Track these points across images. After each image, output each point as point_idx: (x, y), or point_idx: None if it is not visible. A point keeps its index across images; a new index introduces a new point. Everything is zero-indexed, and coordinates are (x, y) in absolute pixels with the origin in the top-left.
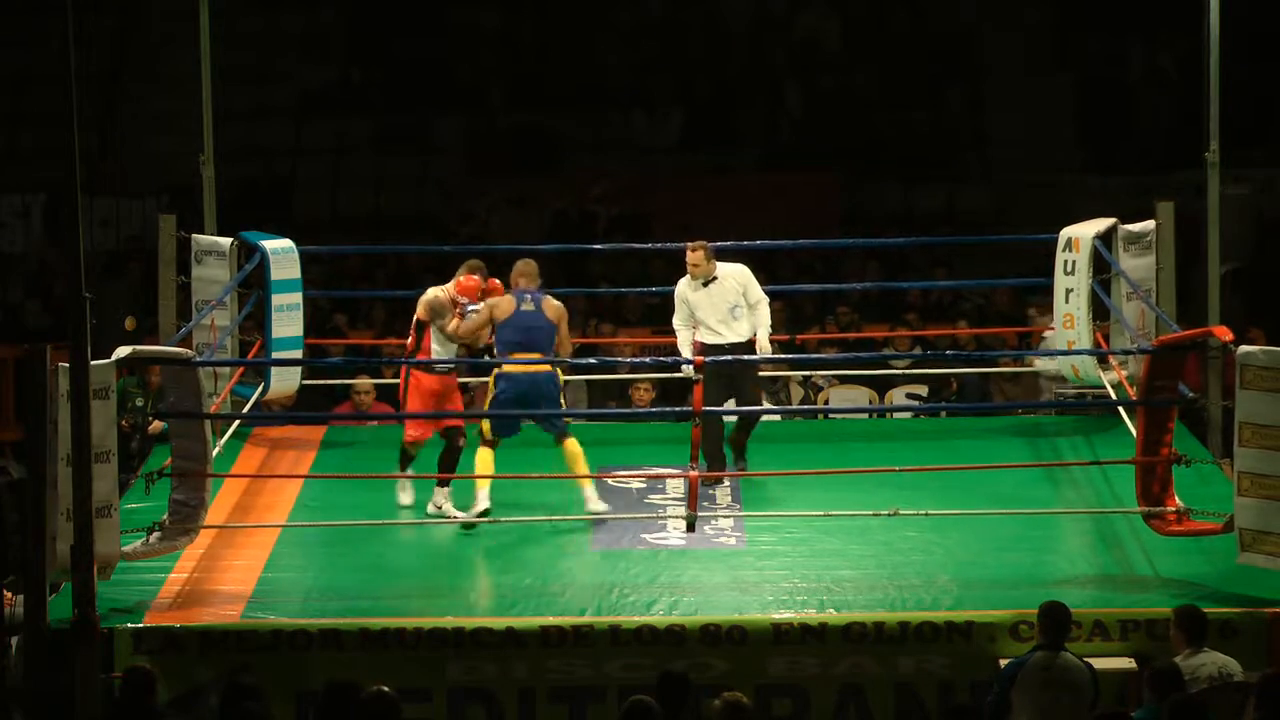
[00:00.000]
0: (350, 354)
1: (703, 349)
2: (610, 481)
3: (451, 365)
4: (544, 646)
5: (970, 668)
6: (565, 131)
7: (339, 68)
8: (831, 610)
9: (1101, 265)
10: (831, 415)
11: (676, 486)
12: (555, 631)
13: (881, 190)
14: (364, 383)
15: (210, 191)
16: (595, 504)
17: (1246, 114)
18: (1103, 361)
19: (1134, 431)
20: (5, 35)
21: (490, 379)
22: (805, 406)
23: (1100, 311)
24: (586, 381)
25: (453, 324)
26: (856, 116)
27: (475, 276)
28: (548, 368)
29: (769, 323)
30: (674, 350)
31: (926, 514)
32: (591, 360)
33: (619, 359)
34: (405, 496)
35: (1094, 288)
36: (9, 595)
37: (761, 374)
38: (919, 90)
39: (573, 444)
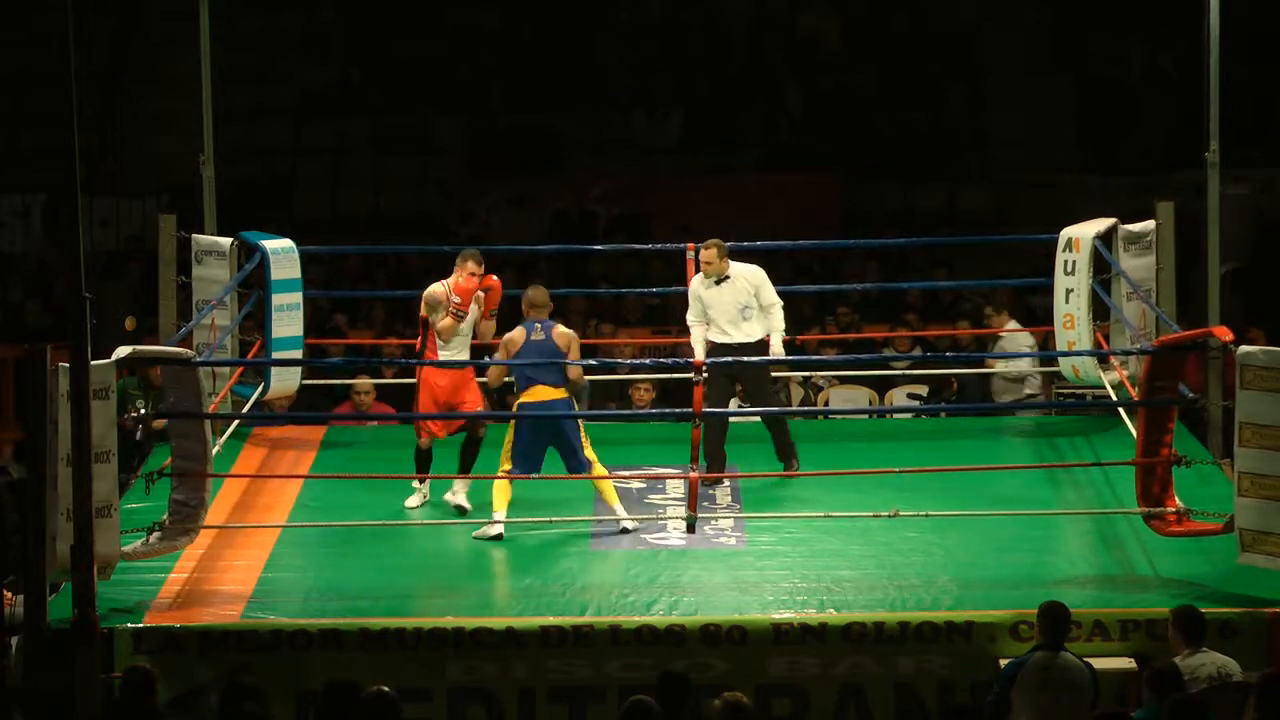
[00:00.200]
0: (350, 354)
1: (713, 348)
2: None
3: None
4: (544, 646)
5: (970, 668)
6: (565, 131)
7: (339, 68)
8: (831, 610)
9: (1101, 265)
10: (831, 415)
11: (676, 486)
12: (555, 631)
13: (881, 190)
14: (364, 383)
15: (210, 191)
16: (630, 524)
17: (1246, 114)
18: (1103, 362)
19: (1134, 432)
20: (5, 35)
21: (511, 424)
22: (805, 407)
23: (1100, 311)
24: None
25: (444, 322)
26: (856, 116)
27: (474, 278)
28: (563, 394)
29: (782, 327)
30: (673, 350)
31: (927, 514)
32: (592, 360)
33: (619, 359)
34: (414, 499)
35: (1094, 288)
36: (9, 595)
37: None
38: (919, 90)
39: (598, 468)
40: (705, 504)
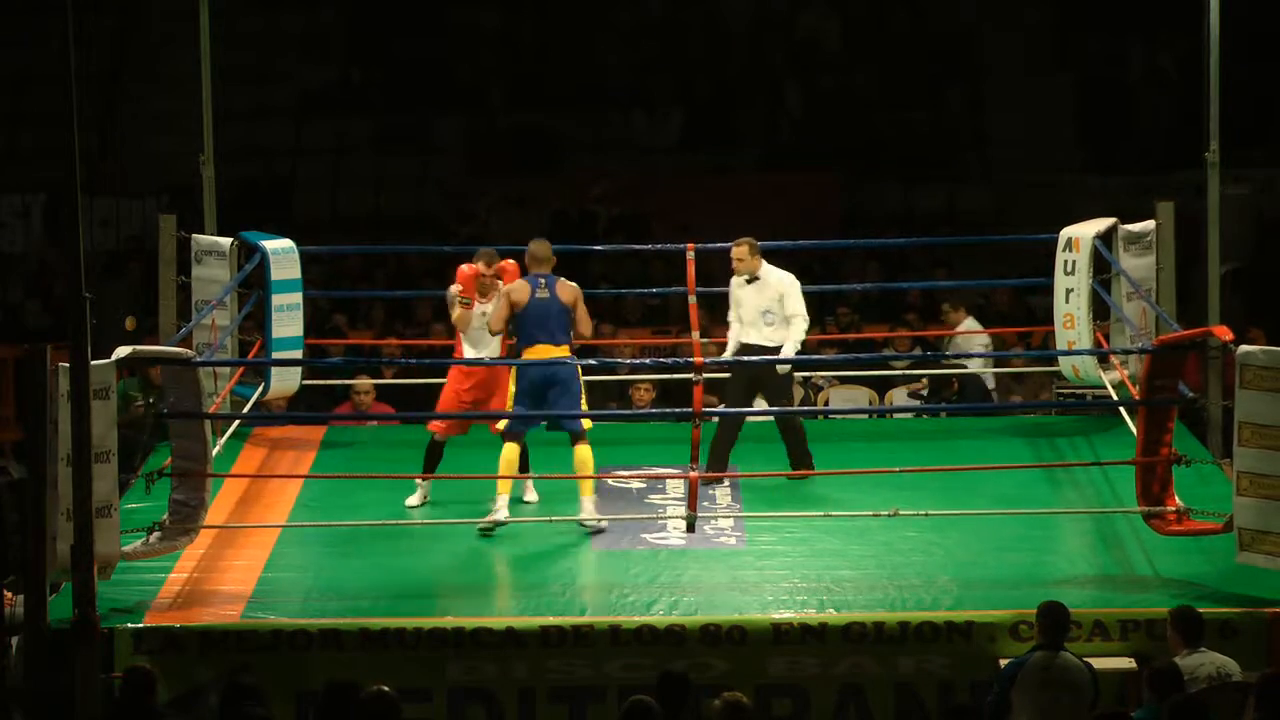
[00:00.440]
0: (350, 354)
1: (739, 348)
2: (610, 481)
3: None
4: (544, 646)
5: (970, 668)
6: (565, 131)
7: (339, 68)
8: (831, 610)
9: (1102, 265)
10: (831, 415)
11: (676, 486)
12: (555, 631)
13: (881, 190)
14: (364, 383)
15: (210, 191)
16: (591, 515)
17: (1246, 114)
18: (1103, 361)
19: (1134, 431)
20: (5, 35)
21: (512, 371)
22: (805, 407)
23: (1100, 311)
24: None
25: (455, 313)
26: (856, 116)
27: (478, 264)
28: (566, 353)
29: (798, 340)
30: (673, 350)
31: (926, 514)
32: (591, 360)
33: (619, 359)
34: (414, 497)
35: (1094, 287)
36: (9, 595)
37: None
38: (919, 90)
39: (584, 450)
40: (705, 504)
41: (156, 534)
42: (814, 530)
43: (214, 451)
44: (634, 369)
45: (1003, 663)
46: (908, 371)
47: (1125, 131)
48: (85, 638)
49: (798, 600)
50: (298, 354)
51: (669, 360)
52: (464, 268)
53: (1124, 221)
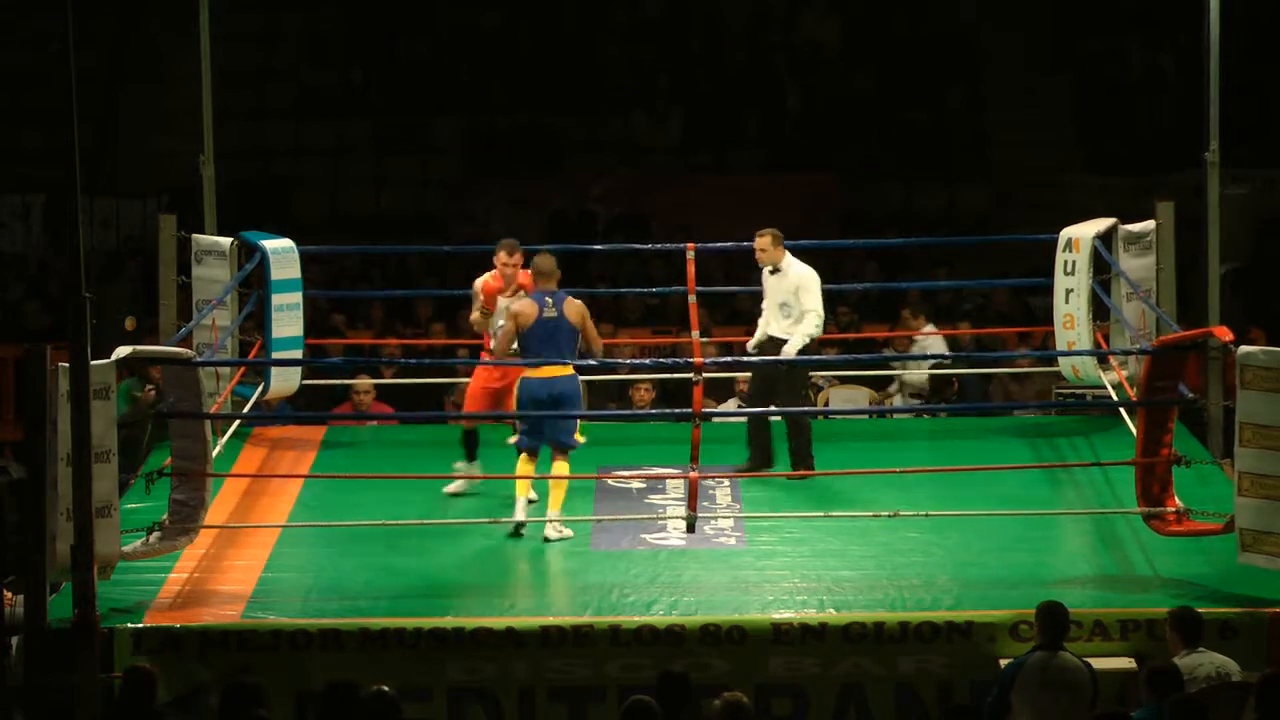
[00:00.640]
0: (350, 354)
1: (763, 338)
2: (610, 481)
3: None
4: (544, 646)
5: (970, 668)
6: (565, 131)
7: (339, 68)
8: (831, 610)
9: (1101, 265)
10: (831, 415)
11: (676, 486)
12: (555, 631)
13: (881, 190)
14: (364, 383)
15: (210, 191)
16: (553, 531)
17: (1246, 114)
18: (1103, 361)
19: (1134, 432)
20: (5, 35)
21: (516, 387)
22: (805, 407)
23: (1100, 311)
24: (587, 382)
25: (472, 315)
26: (856, 116)
27: (499, 253)
28: (569, 372)
29: (805, 335)
30: (673, 350)
31: (927, 514)
32: (591, 362)
33: (619, 359)
34: (455, 485)
35: (1094, 288)
36: (9, 595)
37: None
38: (919, 90)
39: (562, 467)
40: (705, 504)
41: (156, 534)
42: (814, 530)
43: (214, 451)
44: (634, 369)
45: (1003, 663)
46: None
47: (1125, 131)
48: (85, 638)
49: (798, 600)
50: (298, 354)
51: (669, 360)
52: (488, 281)
53: (1124, 221)
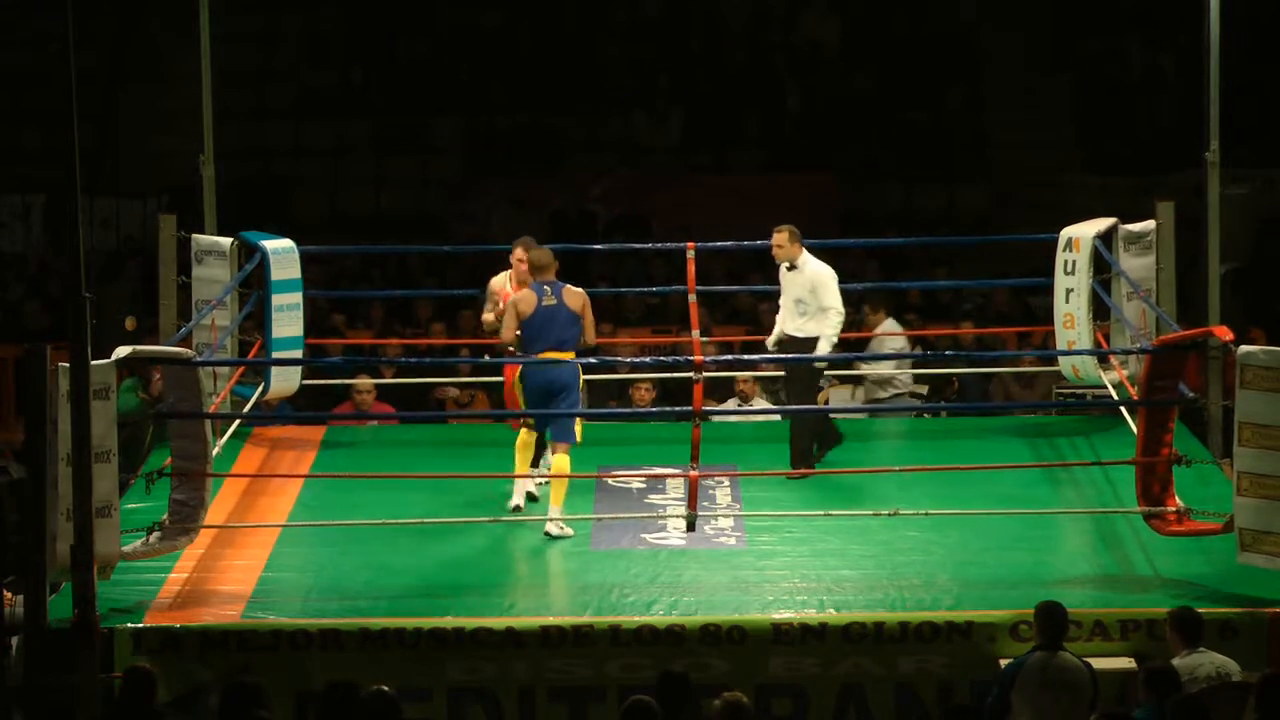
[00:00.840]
0: (350, 354)
1: (780, 336)
2: (610, 481)
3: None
4: (544, 646)
5: (970, 668)
6: (565, 131)
7: (339, 68)
8: (831, 610)
9: (1101, 265)
10: (831, 415)
11: (676, 486)
12: (555, 631)
13: (881, 190)
14: (365, 382)
15: (210, 191)
16: (555, 528)
17: (1246, 114)
18: (1103, 361)
19: (1134, 431)
20: (5, 35)
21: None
22: (806, 407)
23: (1100, 311)
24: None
25: (485, 316)
26: (856, 116)
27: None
28: (569, 357)
29: (830, 334)
30: (673, 350)
31: (927, 514)
32: (592, 360)
33: (619, 358)
34: (515, 500)
35: (1094, 287)
36: (9, 595)
37: (763, 375)
38: (919, 90)
39: (563, 459)
40: (705, 504)
41: (156, 534)
42: (814, 530)
43: (214, 451)
44: (634, 368)
45: (1003, 663)
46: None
47: (1125, 131)
48: (85, 638)
49: (798, 600)
50: (298, 354)
51: (669, 360)
52: (505, 289)
53: (1124, 221)
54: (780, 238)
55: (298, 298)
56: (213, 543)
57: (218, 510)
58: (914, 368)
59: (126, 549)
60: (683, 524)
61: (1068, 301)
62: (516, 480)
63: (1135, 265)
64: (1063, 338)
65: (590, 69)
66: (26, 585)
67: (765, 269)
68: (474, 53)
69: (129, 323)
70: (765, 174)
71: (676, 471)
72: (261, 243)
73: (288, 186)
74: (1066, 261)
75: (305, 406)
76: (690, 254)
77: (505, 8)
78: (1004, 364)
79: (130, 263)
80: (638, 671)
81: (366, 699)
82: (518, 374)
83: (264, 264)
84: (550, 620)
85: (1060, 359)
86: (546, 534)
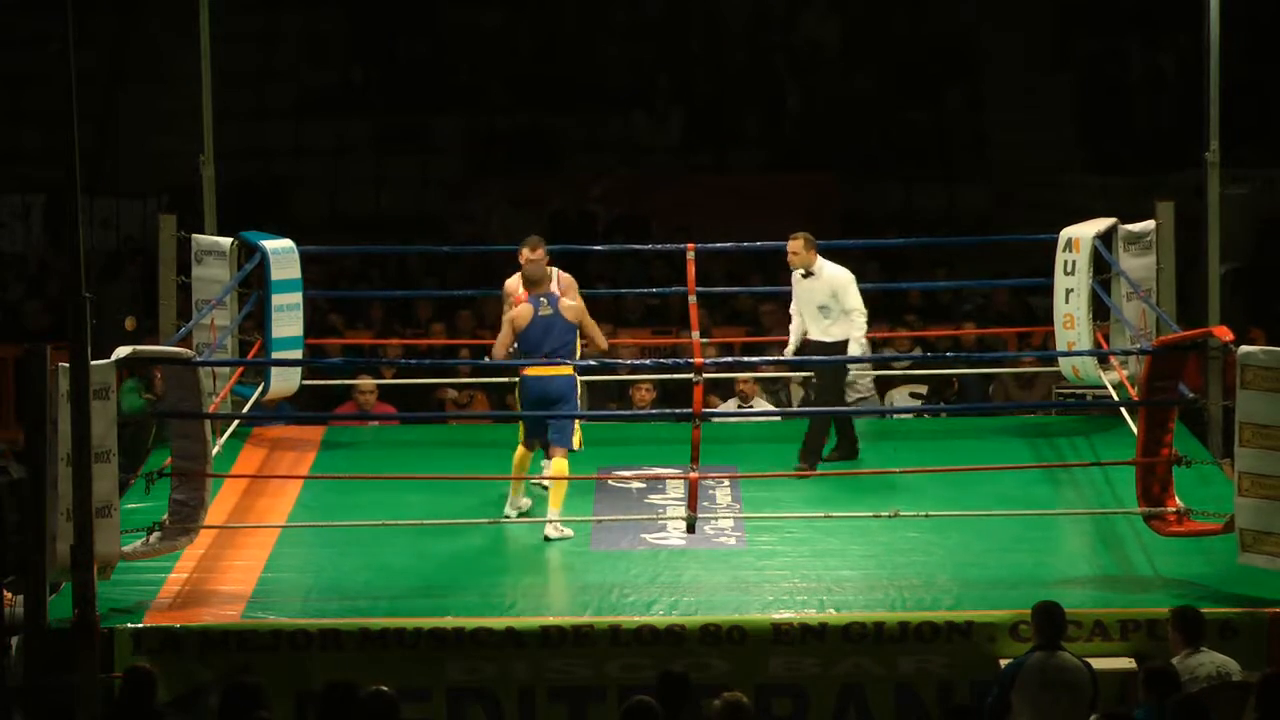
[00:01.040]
0: (350, 354)
1: (802, 341)
2: (610, 481)
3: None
4: (544, 646)
5: (970, 668)
6: (565, 131)
7: (339, 68)
8: (831, 610)
9: (1101, 265)
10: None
11: (676, 487)
12: (555, 631)
13: (881, 190)
14: (367, 382)
15: (210, 191)
16: (554, 530)
17: (1246, 114)
18: (1103, 361)
19: (1134, 431)
20: (5, 35)
21: (518, 385)
22: (805, 408)
23: (1100, 311)
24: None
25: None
26: (856, 116)
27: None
28: (566, 372)
29: (858, 335)
30: (673, 350)
31: (927, 514)
32: (591, 360)
33: (619, 359)
34: (510, 509)
35: (1094, 288)
36: (9, 595)
37: (763, 375)
38: (919, 90)
39: (561, 465)
40: (705, 504)
41: (156, 534)
42: (814, 530)
43: (214, 451)
44: (634, 369)
45: (1003, 663)
46: (907, 372)
47: (1125, 131)
48: (85, 638)
49: (798, 600)
50: (298, 354)
51: (669, 360)
52: (519, 291)
53: (1124, 221)
54: (796, 244)
55: (298, 298)
56: (213, 543)
57: (218, 510)
58: (913, 368)
59: (126, 549)
60: (683, 524)
61: (1067, 302)
62: (511, 495)
63: (1135, 265)
64: (1063, 338)
65: (590, 69)
66: (26, 585)
67: (765, 270)
68: (474, 53)
69: (129, 323)
70: (765, 174)
71: (676, 472)
72: (261, 243)
73: (288, 186)
74: (1066, 262)
75: (305, 406)
76: (690, 255)
77: (505, 8)
78: (1004, 364)
79: (130, 263)
80: (638, 671)
81: (365, 699)
82: (517, 386)
83: (264, 264)
84: (550, 620)
85: (1060, 359)
86: (546, 537)
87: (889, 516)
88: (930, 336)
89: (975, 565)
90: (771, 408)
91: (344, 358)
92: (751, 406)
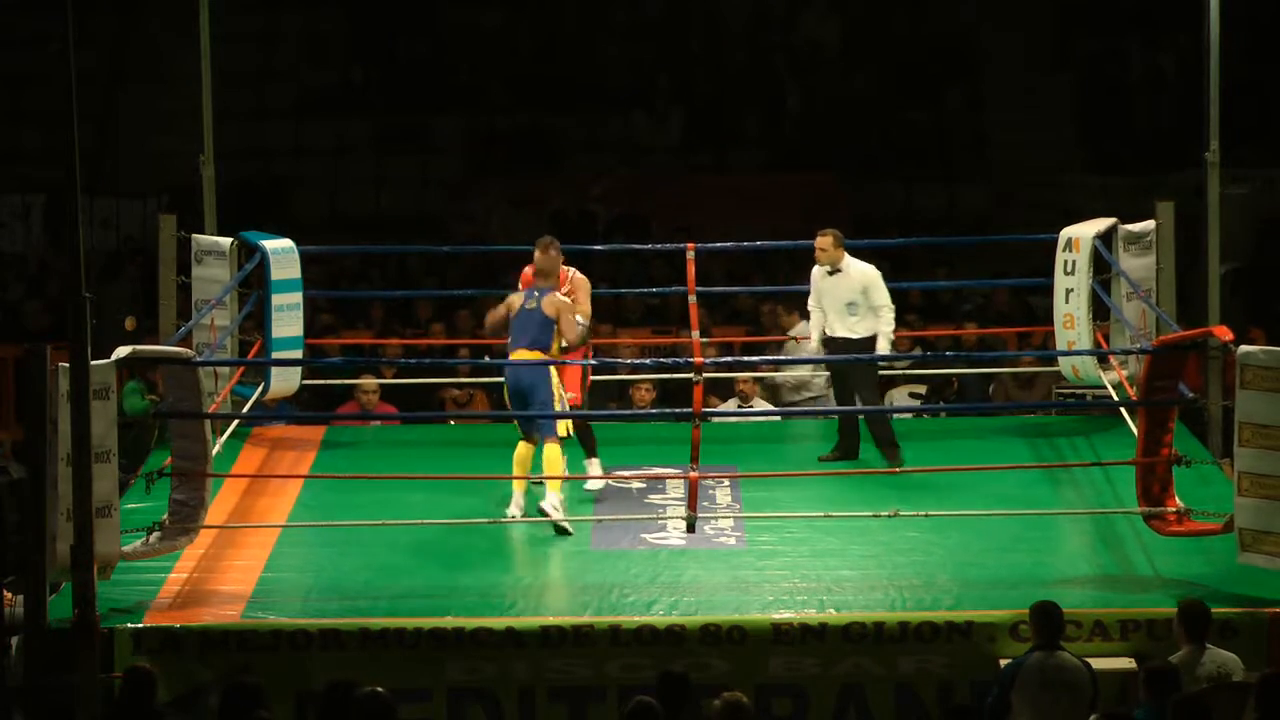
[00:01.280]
0: (350, 353)
1: (825, 339)
2: (610, 481)
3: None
4: (544, 646)
5: (970, 668)
6: (565, 131)
7: (339, 68)
8: (831, 610)
9: (1101, 265)
10: (831, 415)
11: (676, 487)
12: (555, 631)
13: (881, 190)
14: (369, 382)
15: (210, 191)
16: (554, 512)
17: (1246, 114)
18: (1103, 361)
19: (1134, 431)
20: (5, 35)
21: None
22: (806, 408)
23: (1100, 311)
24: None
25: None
26: (856, 116)
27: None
28: (536, 355)
29: (888, 331)
30: (673, 350)
31: (927, 514)
32: (592, 360)
33: (619, 359)
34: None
35: (1094, 288)
36: (9, 595)
37: (763, 375)
38: (919, 90)
39: (553, 449)
40: (705, 504)
41: (156, 534)
42: (814, 530)
43: (214, 451)
44: (634, 369)
45: (1003, 663)
46: (907, 372)
47: (1125, 131)
48: (85, 638)
49: (798, 600)
50: (298, 354)
51: (669, 360)
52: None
53: (1124, 221)
54: (825, 241)
55: (298, 298)
56: (213, 543)
57: (218, 510)
58: (913, 368)
59: (126, 549)
60: (682, 524)
61: (1067, 302)
62: (514, 493)
63: (1135, 265)
64: (1063, 338)
65: (590, 69)
66: (26, 585)
67: (766, 269)
68: (474, 53)
69: (129, 323)
70: (765, 174)
71: (676, 472)
72: (261, 243)
73: (288, 186)
74: (1066, 262)
75: (305, 406)
76: (690, 254)
77: (505, 8)
78: (1004, 364)
79: (130, 263)
80: (638, 671)
81: (361, 699)
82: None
83: (264, 264)
84: (550, 620)
85: (1060, 359)
86: (540, 510)
87: (889, 516)
88: (930, 336)
89: (975, 565)
90: (772, 408)
91: (344, 358)
92: (751, 406)
